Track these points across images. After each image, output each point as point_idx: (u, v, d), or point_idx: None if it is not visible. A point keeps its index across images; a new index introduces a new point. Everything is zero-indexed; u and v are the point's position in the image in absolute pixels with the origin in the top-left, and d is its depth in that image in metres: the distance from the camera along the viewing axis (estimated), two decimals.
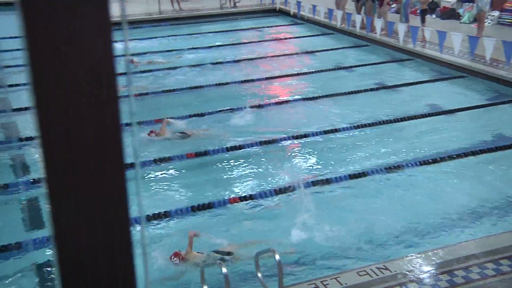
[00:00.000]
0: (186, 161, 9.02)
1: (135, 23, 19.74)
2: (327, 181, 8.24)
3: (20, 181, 8.37)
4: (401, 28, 15.51)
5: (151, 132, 9.82)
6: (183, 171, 8.87)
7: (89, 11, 1.44)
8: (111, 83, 1.50)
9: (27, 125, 10.68)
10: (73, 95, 1.48)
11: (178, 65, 14.77)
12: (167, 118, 10.28)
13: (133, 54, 15.41)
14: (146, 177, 8.50)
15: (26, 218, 7.62)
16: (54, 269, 6.34)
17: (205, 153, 9.23)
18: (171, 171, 8.82)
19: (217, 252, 6.43)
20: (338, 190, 8.11)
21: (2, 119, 11.04)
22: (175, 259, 6.25)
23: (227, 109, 11.25)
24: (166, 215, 7.31)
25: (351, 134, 10.16)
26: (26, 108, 11.27)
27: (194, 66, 14.69)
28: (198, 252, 6.41)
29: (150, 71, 14.29)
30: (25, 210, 7.81)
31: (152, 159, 8.90)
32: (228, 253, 6.42)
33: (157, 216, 7.26)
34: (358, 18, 17.20)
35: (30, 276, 6.36)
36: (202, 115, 11.02)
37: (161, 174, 8.72)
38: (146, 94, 12.43)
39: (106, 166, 1.56)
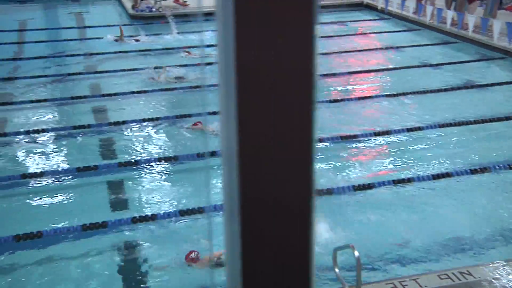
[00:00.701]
0: None
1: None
2: (409, 180, 8.03)
3: (107, 163, 8.74)
4: (497, 25, 14.80)
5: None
6: None
7: (297, 18, 1.44)
8: (310, 88, 1.50)
9: (116, 109, 11.21)
10: (276, 101, 1.48)
11: None
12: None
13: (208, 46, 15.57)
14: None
15: (111, 199, 7.95)
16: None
17: None
18: None
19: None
20: (420, 190, 7.90)
21: (93, 103, 11.53)
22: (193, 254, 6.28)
23: None
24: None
25: (435, 133, 9.84)
26: (115, 94, 11.82)
27: None
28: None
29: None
30: (110, 192, 8.14)
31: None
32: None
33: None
34: (449, 14, 16.58)
35: (112, 255, 6.64)
36: None
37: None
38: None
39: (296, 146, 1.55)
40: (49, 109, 11.26)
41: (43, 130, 9.94)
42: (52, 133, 9.93)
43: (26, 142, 9.59)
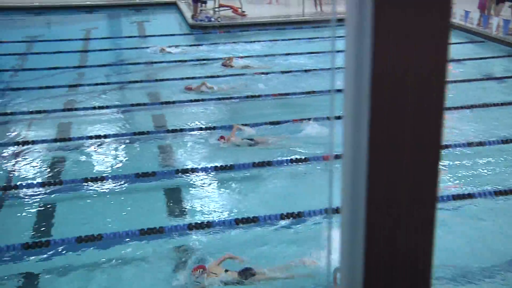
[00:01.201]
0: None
1: (279, 24, 20.10)
2: (469, 196, 7.82)
3: (164, 171, 8.93)
4: None
5: (221, 137, 9.86)
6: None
7: (433, 27, 1.48)
8: (441, 96, 1.55)
9: (174, 117, 11.46)
10: (408, 108, 1.54)
11: (286, 69, 14.60)
12: (238, 124, 10.27)
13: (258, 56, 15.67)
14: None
15: (168, 205, 8.12)
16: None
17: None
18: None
19: (240, 272, 6.30)
20: (480, 206, 7.68)
21: (152, 111, 11.82)
22: (199, 271, 6.22)
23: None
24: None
25: (498, 148, 9.54)
26: (173, 102, 12.08)
27: (307, 71, 14.43)
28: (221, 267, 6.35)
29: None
30: (167, 198, 8.32)
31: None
32: (252, 275, 6.27)
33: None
34: None
35: (167, 259, 6.77)
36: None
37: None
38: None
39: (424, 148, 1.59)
40: (110, 116, 11.62)
41: (105, 136, 10.27)
42: (113, 139, 10.24)
43: (88, 147, 9.93)
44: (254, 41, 17.67)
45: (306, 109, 11.55)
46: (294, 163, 9.05)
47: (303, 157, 9.17)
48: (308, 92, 12.52)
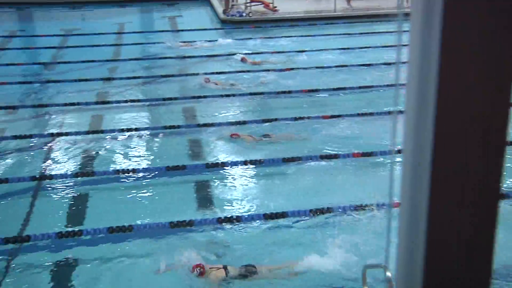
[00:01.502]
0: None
1: (311, 20, 20.05)
2: None
3: (194, 164, 9.03)
4: None
5: (233, 134, 9.89)
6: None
7: (503, 22, 1.49)
8: (507, 91, 1.55)
9: (204, 111, 11.57)
10: (473, 102, 1.56)
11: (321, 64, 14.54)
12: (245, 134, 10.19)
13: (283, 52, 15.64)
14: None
15: (197, 198, 8.22)
16: None
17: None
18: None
19: (241, 268, 6.30)
20: None
21: (183, 105, 11.95)
22: (197, 269, 6.21)
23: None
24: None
25: None
26: (204, 96, 12.18)
27: (338, 67, 14.35)
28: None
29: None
30: (197, 191, 8.41)
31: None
32: (251, 272, 6.28)
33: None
34: None
35: (196, 251, 6.85)
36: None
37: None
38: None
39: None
40: (141, 109, 11.78)
41: (136, 129, 10.42)
42: (144, 132, 10.38)
43: (120, 139, 10.09)
44: (285, 36, 17.65)
45: (332, 106, 11.55)
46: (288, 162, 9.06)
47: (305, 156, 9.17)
48: (335, 89, 12.50)
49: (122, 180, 8.63)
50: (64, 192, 8.35)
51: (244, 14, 20.04)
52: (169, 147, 9.94)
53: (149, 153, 9.62)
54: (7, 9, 22.58)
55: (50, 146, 9.87)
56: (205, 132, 10.30)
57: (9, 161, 9.34)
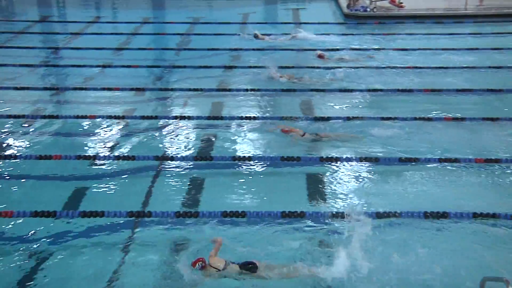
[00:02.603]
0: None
1: (438, 18, 19.24)
2: None
3: (309, 157, 9.07)
4: None
5: (282, 130, 9.82)
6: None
7: None
8: None
9: (321, 104, 11.59)
10: None
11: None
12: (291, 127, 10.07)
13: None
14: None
15: (310, 190, 8.25)
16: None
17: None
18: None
19: (242, 265, 6.21)
20: None
21: (302, 97, 12.03)
22: (199, 264, 6.16)
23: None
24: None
25: None
26: (322, 90, 12.18)
27: (464, 68, 13.62)
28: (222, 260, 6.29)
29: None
30: (310, 183, 8.45)
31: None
32: (252, 270, 6.17)
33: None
34: None
35: (307, 242, 6.90)
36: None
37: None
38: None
39: None
40: (259, 98, 11.98)
41: (254, 118, 10.64)
42: (261, 121, 10.56)
43: (238, 126, 10.36)
44: (408, 34, 17.12)
45: (454, 107, 11.08)
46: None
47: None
48: (459, 90, 11.98)
49: (238, 166, 8.87)
50: (183, 173, 8.76)
51: (368, 9, 19.67)
52: (285, 137, 10.00)
53: (264, 142, 9.78)
54: None
55: (173, 128, 10.37)
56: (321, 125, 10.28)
57: (136, 139, 9.94)
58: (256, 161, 8.95)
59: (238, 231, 7.13)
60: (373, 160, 8.84)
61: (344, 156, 9.00)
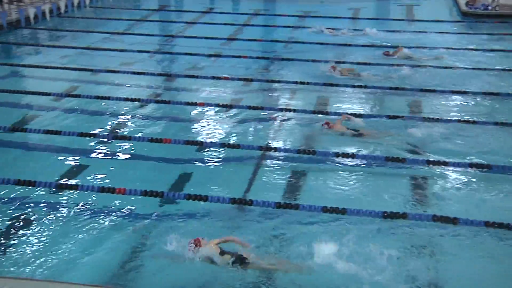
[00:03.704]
0: None
1: None
2: None
3: (416, 159, 8.81)
4: None
5: (326, 123, 9.76)
6: None
7: None
8: None
9: (430, 105, 11.19)
10: None
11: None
12: (346, 113, 10.24)
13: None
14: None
15: (413, 193, 8.03)
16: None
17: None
18: None
19: (236, 256, 6.16)
20: None
21: (411, 97, 11.71)
22: (191, 245, 6.19)
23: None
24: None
25: None
26: (433, 90, 11.78)
27: None
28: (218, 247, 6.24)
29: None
30: (414, 186, 8.22)
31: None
32: (244, 262, 6.12)
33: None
34: None
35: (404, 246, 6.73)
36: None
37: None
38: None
39: None
40: (368, 96, 11.80)
41: (360, 115, 10.50)
42: (373, 120, 10.39)
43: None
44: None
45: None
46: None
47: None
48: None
49: (341, 163, 8.81)
50: (285, 165, 8.84)
51: (490, 8, 18.64)
52: (393, 138, 9.79)
53: (367, 141, 9.61)
54: None
55: (278, 119, 10.49)
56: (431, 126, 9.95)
57: (241, 128, 10.18)
58: (360, 159, 8.84)
59: (339, 227, 7.07)
60: (485, 167, 8.42)
61: (453, 161, 8.65)
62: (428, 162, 8.65)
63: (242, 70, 13.39)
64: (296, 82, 12.44)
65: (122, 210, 7.43)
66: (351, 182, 8.30)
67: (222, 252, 6.27)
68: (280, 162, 8.92)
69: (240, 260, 6.18)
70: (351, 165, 8.75)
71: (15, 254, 6.50)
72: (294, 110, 10.81)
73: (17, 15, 17.40)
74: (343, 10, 20.39)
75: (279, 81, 12.63)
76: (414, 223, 7.09)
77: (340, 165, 8.76)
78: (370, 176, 8.49)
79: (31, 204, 7.54)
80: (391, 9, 21.56)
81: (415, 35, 16.50)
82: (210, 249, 6.25)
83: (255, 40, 16.26)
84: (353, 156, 8.86)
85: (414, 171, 8.56)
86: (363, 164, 8.80)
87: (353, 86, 12.14)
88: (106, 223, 7.15)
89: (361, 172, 8.58)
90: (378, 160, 8.80)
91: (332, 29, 17.03)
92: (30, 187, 7.82)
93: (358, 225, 7.07)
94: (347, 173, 8.56)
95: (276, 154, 9.12)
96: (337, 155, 8.91)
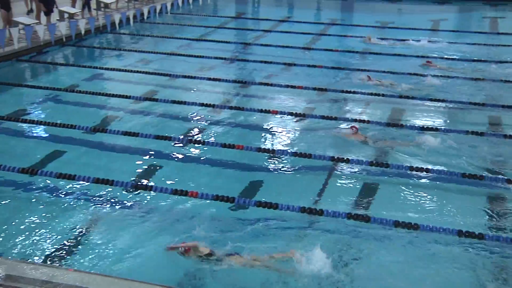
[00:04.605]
0: None
1: None
2: None
3: (493, 177, 8.47)
4: None
5: (352, 127, 10.13)
6: None
7: None
8: None
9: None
10: None
11: None
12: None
13: None
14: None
15: (491, 212, 7.73)
16: None
17: None
18: None
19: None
20: None
21: (490, 113, 11.30)
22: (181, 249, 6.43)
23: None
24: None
25: None
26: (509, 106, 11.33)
27: None
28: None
29: None
30: (491, 205, 7.92)
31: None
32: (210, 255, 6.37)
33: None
34: None
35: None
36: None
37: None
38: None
39: None
40: (444, 111, 11.47)
41: (436, 129, 10.20)
42: (453, 134, 10.12)
43: (419, 136, 10.02)
44: None
45: None
46: None
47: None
48: None
49: (413, 177, 8.61)
50: (356, 177, 8.74)
51: None
52: (472, 152, 9.45)
53: (444, 155, 9.35)
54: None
55: (350, 131, 10.37)
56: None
57: (313, 138, 10.16)
58: (434, 174, 8.60)
59: (409, 243, 6.91)
60: None
61: None
62: (508, 181, 8.29)
63: (316, 79, 13.36)
64: (371, 94, 12.28)
65: (192, 212, 7.58)
66: (424, 197, 8.09)
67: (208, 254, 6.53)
68: (352, 173, 8.83)
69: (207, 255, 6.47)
70: (424, 179, 8.53)
71: (96, 251, 6.72)
72: (368, 121, 10.67)
73: (103, 21, 18.19)
74: (423, 21, 19.94)
75: (353, 92, 12.48)
76: (495, 244, 6.83)
77: (413, 179, 8.56)
78: (445, 192, 8.25)
79: (109, 203, 7.82)
80: (472, 21, 20.86)
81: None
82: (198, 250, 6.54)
83: (330, 50, 16.19)
84: (427, 170, 8.62)
85: (492, 189, 8.24)
86: (437, 178, 8.56)
87: (431, 100, 11.85)
88: (179, 226, 7.30)
89: (435, 187, 8.35)
90: (453, 175, 8.52)
91: (381, 38, 16.97)
92: (108, 186, 8.11)
93: (430, 242, 6.89)
94: (420, 187, 8.37)
95: (349, 165, 9.02)
96: (411, 168, 8.71)
